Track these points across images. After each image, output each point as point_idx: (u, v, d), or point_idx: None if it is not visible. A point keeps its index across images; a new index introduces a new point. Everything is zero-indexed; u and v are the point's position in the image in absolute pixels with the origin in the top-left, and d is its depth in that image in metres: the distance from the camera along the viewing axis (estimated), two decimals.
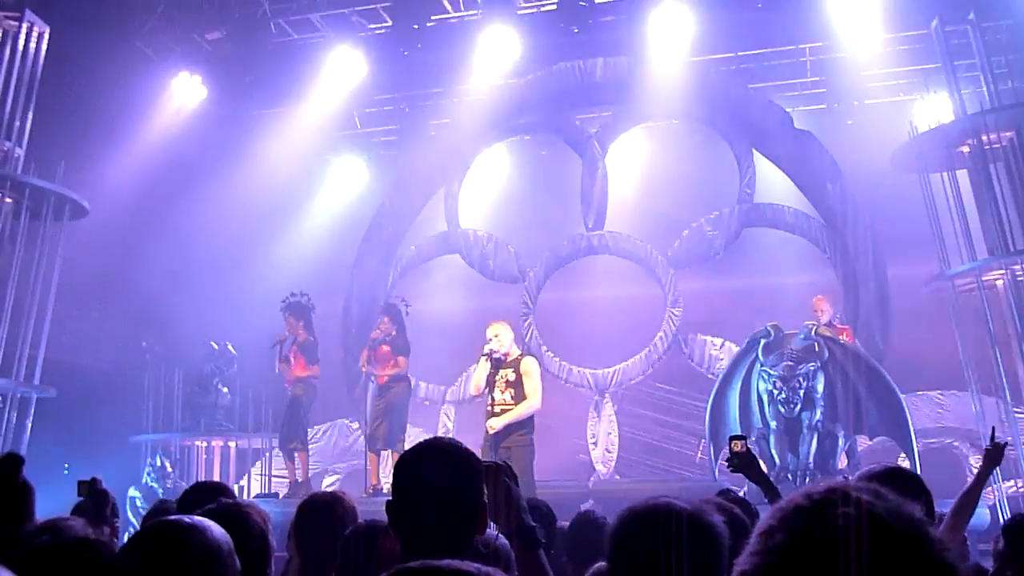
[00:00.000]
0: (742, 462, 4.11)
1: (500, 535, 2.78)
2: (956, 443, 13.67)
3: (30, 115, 12.18)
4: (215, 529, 2.18)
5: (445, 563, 1.34)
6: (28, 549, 2.19)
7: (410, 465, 2.51)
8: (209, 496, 3.01)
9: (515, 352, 9.81)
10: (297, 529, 3.51)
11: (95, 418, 13.74)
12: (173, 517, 2.24)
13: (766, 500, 4.10)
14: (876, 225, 13.34)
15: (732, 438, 4.22)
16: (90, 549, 2.34)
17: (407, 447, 11.34)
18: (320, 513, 3.65)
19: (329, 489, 15.27)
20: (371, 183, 16.76)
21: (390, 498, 2.51)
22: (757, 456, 4.31)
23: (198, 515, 2.28)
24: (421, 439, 2.74)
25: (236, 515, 2.52)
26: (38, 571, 2.21)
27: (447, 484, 2.41)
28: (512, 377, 9.55)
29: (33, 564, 2.21)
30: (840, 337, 11.06)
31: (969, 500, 4.27)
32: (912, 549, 0.92)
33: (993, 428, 5.53)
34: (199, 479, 13.83)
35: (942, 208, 11.59)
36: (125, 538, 4.58)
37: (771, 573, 0.92)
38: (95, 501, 4.78)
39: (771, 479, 9.81)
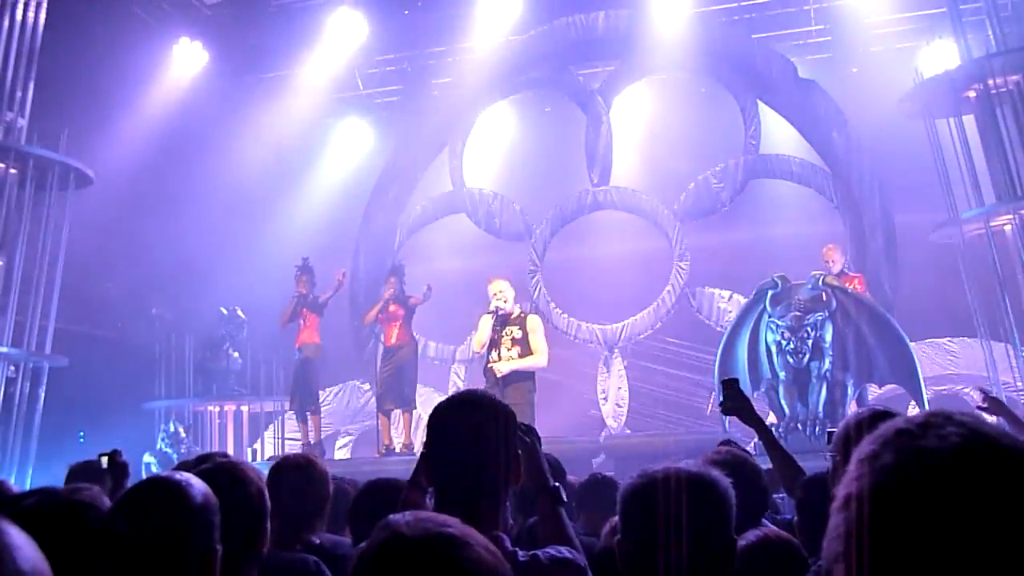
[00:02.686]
0: (735, 405, 4.12)
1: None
2: (967, 389, 13.68)
3: (31, 85, 12.14)
4: (196, 486, 2.19)
5: (442, 529, 1.34)
6: (12, 512, 2.21)
7: (444, 416, 2.50)
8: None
9: (518, 309, 9.85)
10: (271, 491, 3.51)
11: (108, 386, 13.80)
12: (153, 476, 2.26)
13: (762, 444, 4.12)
14: (883, 173, 13.28)
15: (724, 382, 4.23)
16: (74, 512, 2.35)
17: (418, 407, 11.41)
18: (294, 474, 3.64)
19: (340, 450, 15.40)
20: (376, 145, 16.70)
21: (423, 451, 2.52)
22: (750, 400, 4.31)
23: (195, 474, 2.29)
24: (432, 399, 2.75)
25: (235, 473, 2.53)
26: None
27: (481, 435, 2.40)
28: (518, 334, 9.59)
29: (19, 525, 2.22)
30: (851, 286, 11.04)
31: None
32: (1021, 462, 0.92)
33: (981, 389, 5.56)
34: (213, 444, 13.95)
35: (949, 154, 11.53)
36: None
37: (882, 492, 0.91)
38: (116, 472, 4.82)
39: (781, 429, 9.89)
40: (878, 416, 2.60)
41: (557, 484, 2.82)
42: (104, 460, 4.91)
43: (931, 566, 0.86)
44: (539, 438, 2.85)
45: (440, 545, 1.30)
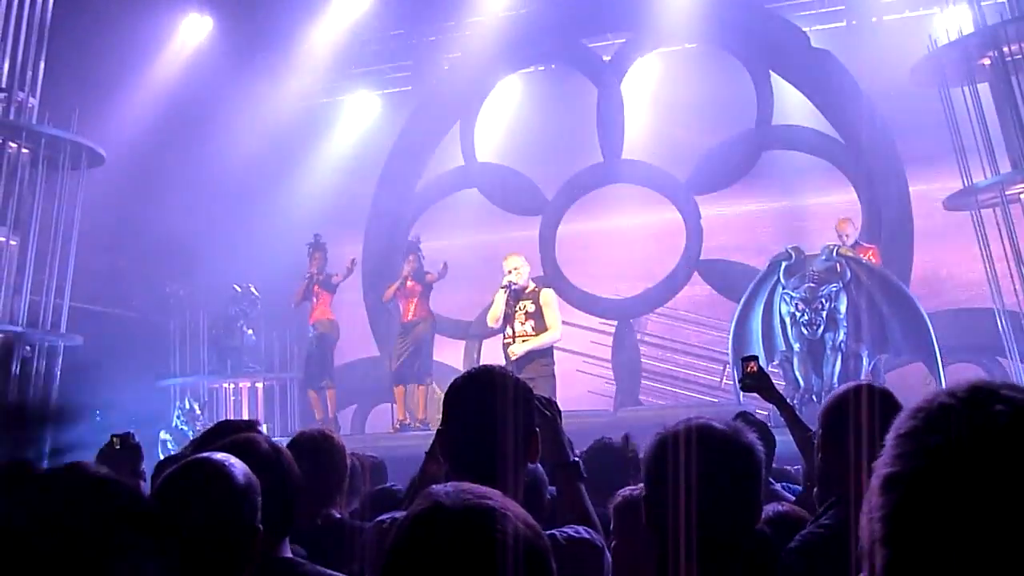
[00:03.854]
0: (756, 382, 4.11)
1: (538, 464, 2.79)
2: (982, 360, 13.63)
3: (42, 64, 12.15)
4: (237, 467, 2.20)
5: (480, 500, 1.34)
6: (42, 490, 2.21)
7: (462, 391, 2.50)
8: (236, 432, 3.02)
9: (532, 284, 9.85)
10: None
11: (123, 364, 13.86)
12: (195, 458, 2.26)
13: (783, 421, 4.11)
14: (896, 143, 13.19)
15: (744, 359, 4.22)
16: (107, 489, 2.35)
17: (434, 382, 11.47)
18: (311, 450, 3.65)
19: (355, 423, 15.43)
20: (386, 119, 16.65)
21: (439, 426, 2.52)
22: (770, 376, 4.30)
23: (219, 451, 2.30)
24: (446, 374, 2.75)
25: (267, 449, 2.54)
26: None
27: (498, 410, 2.39)
28: (532, 309, 9.59)
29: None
30: (866, 257, 11.00)
31: None
32: None
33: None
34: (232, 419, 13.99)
35: (963, 123, 11.45)
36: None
37: (928, 474, 0.88)
38: (130, 456, 4.83)
39: (796, 401, 9.89)
40: (854, 392, 2.60)
41: (577, 459, 2.82)
42: (117, 442, 4.92)
43: (985, 549, 0.84)
44: (560, 412, 2.85)
45: (480, 516, 1.31)
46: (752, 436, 2.20)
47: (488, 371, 2.62)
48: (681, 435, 2.16)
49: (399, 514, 2.57)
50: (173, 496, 2.15)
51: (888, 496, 0.91)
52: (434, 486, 1.39)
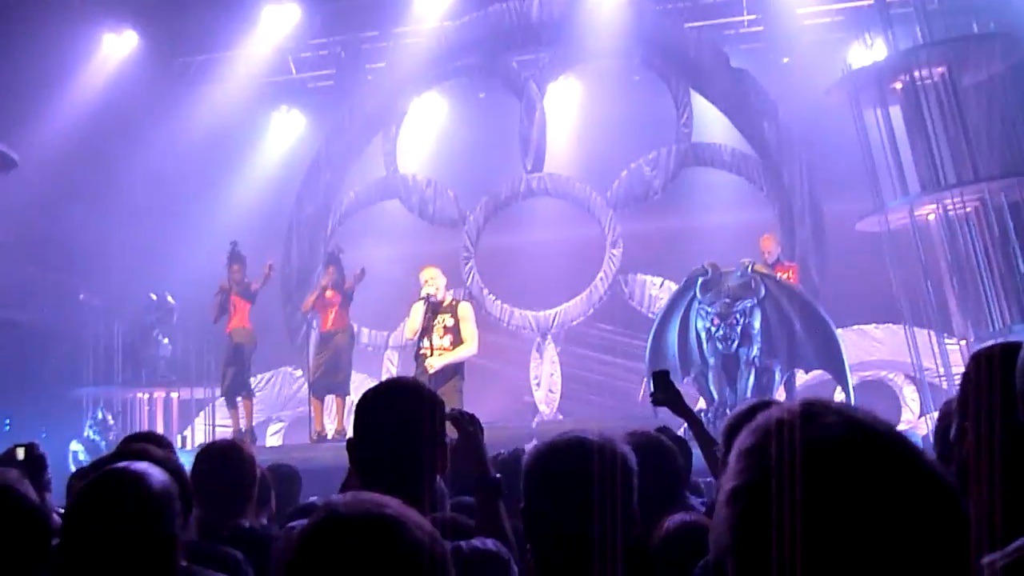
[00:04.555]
0: (665, 396, 4.17)
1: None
2: (891, 375, 13.95)
3: None
4: (155, 475, 2.19)
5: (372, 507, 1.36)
6: None
7: (372, 403, 2.50)
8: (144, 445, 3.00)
9: (450, 297, 9.88)
10: (197, 477, 3.47)
11: (34, 372, 13.59)
12: (111, 468, 2.23)
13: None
14: (812, 162, 13.48)
15: (654, 374, 4.29)
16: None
17: (352, 393, 11.37)
18: (219, 459, 3.63)
19: (272, 437, 15.29)
20: (308, 130, 16.55)
21: (350, 436, 2.51)
22: (685, 390, 4.38)
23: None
24: (365, 385, 2.76)
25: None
26: None
27: (408, 422, 2.38)
28: (450, 322, 9.61)
29: None
30: (786, 275, 11.20)
31: None
32: (900, 452, 0.94)
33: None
34: (141, 431, 13.76)
35: (876, 144, 11.74)
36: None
37: (766, 485, 0.92)
38: (33, 468, 4.71)
39: (711, 415, 10.01)
40: (758, 409, 2.66)
41: (498, 476, 2.83)
42: (20, 452, 4.79)
43: (820, 555, 0.89)
44: (482, 428, 2.86)
45: (376, 524, 1.32)
46: (625, 447, 2.25)
47: (398, 382, 2.64)
48: (560, 446, 2.20)
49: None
50: (91, 507, 2.13)
51: (732, 508, 0.95)
52: (334, 496, 1.40)
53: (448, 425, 2.69)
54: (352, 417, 2.53)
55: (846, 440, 0.93)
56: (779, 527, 0.90)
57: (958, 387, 2.54)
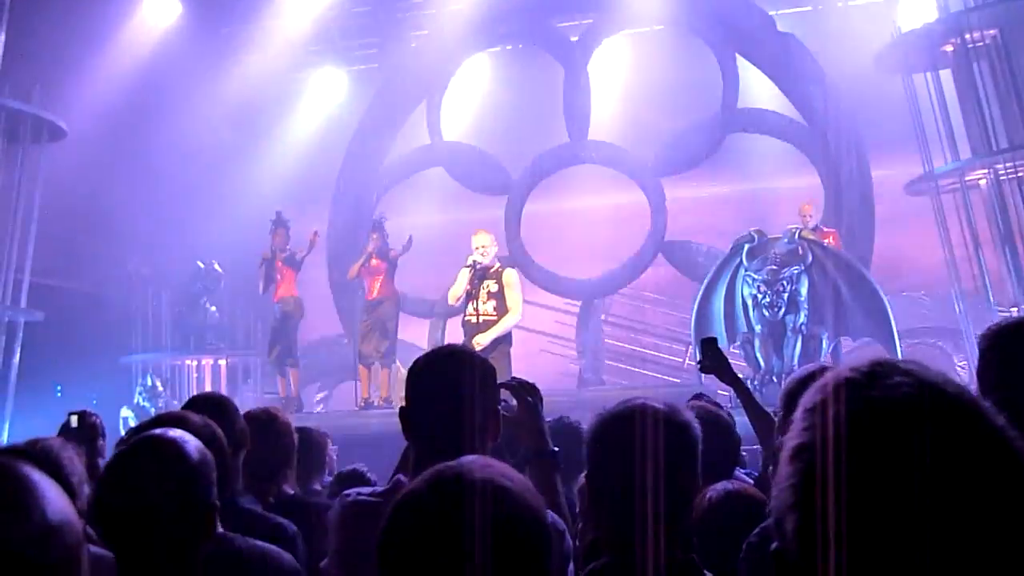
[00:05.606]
0: (713, 364, 4.15)
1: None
2: (940, 343, 13.82)
3: (2, 37, 11.98)
4: (191, 442, 2.18)
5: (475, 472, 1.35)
6: None
7: (425, 370, 2.49)
8: (207, 407, 3.03)
9: (497, 263, 9.87)
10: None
11: (84, 340, 13.78)
12: (148, 435, 2.22)
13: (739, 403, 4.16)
14: (859, 127, 13.31)
15: (703, 341, 4.26)
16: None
17: (398, 360, 11.43)
18: (256, 429, 3.66)
19: (318, 404, 15.43)
20: (352, 97, 16.58)
21: (403, 404, 2.51)
22: (730, 357, 4.34)
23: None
24: (412, 353, 2.75)
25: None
26: None
27: (461, 390, 2.37)
28: (494, 288, 9.60)
29: None
30: (826, 241, 11.11)
31: None
32: (970, 413, 0.94)
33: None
34: (204, 392, 13.94)
35: (925, 109, 11.57)
36: None
37: (831, 443, 0.92)
38: (87, 435, 4.77)
39: (756, 382, 9.98)
40: (817, 374, 2.63)
41: (556, 449, 2.82)
42: (74, 419, 4.87)
43: (884, 514, 0.89)
44: (541, 399, 2.86)
45: (498, 491, 1.32)
46: (689, 414, 2.24)
47: (450, 349, 2.64)
48: (621, 415, 2.19)
49: (365, 490, 2.58)
50: (126, 474, 2.12)
51: (796, 465, 0.95)
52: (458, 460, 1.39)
53: (504, 393, 2.69)
54: (398, 384, 2.53)
55: (913, 401, 0.92)
56: (841, 486, 0.89)
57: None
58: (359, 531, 2.35)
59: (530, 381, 2.89)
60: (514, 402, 2.83)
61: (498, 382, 2.68)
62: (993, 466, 0.90)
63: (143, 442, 2.19)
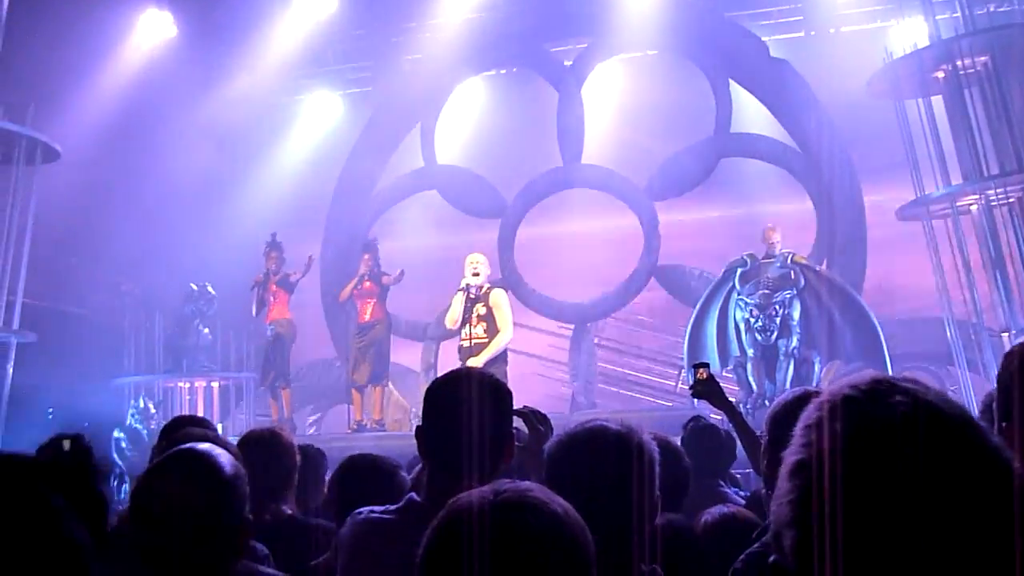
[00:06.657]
0: (705, 389, 4.17)
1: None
2: (931, 367, 13.83)
3: None
4: (224, 456, 2.18)
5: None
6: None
7: (440, 391, 2.55)
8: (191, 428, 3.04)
9: (486, 285, 9.90)
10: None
11: (77, 362, 13.73)
12: (181, 448, 2.22)
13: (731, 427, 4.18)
14: (852, 153, 13.36)
15: (695, 366, 4.29)
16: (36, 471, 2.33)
17: (390, 383, 11.44)
18: (260, 447, 3.66)
19: (310, 427, 15.40)
20: (346, 120, 16.62)
21: (418, 424, 2.55)
22: (723, 381, 4.37)
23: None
24: (404, 376, 2.78)
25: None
26: None
27: (477, 411, 2.43)
28: (483, 311, 9.65)
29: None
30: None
31: None
32: (966, 433, 0.95)
33: None
34: (184, 414, 13.88)
35: (917, 135, 11.62)
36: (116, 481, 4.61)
37: (830, 460, 0.93)
38: (79, 459, 4.73)
39: (749, 406, 9.98)
40: (804, 399, 2.65)
41: None
42: (67, 443, 4.83)
43: (880, 530, 0.90)
44: (551, 428, 2.89)
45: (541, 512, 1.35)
46: (646, 436, 2.25)
47: (468, 371, 2.68)
48: (579, 436, 2.22)
49: (377, 508, 2.60)
50: (159, 489, 2.11)
51: (795, 481, 0.96)
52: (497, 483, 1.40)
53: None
54: (395, 408, 2.56)
55: (910, 420, 0.93)
56: (838, 503, 0.90)
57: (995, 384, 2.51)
58: (373, 547, 2.39)
59: (541, 411, 2.93)
60: (525, 429, 2.88)
61: (546, 420, 2.73)
62: (988, 485, 0.91)
63: (174, 457, 2.18)
